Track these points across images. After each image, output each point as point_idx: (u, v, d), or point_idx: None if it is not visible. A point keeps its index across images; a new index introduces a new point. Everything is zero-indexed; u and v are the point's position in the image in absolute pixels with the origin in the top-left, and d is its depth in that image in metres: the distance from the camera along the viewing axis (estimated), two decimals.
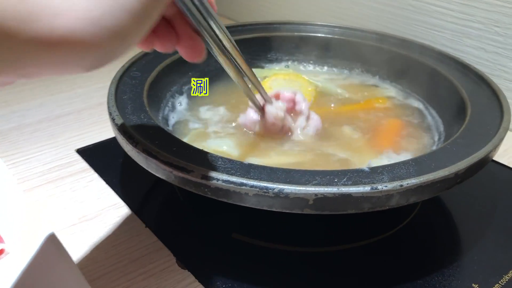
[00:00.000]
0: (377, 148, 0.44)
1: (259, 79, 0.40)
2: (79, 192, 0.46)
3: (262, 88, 0.41)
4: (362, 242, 0.40)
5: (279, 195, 0.30)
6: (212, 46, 0.33)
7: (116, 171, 0.48)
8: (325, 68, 0.60)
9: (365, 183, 0.30)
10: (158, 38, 0.29)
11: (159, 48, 0.29)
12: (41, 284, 0.24)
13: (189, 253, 0.38)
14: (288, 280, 0.36)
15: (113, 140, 0.53)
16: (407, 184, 0.30)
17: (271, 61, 0.60)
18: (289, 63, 0.61)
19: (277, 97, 0.44)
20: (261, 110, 0.42)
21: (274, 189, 0.30)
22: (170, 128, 0.45)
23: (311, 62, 0.60)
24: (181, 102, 0.50)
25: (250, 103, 0.42)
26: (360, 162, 0.41)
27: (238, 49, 0.36)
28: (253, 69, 0.40)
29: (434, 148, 0.43)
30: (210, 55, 0.33)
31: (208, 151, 0.34)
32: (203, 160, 0.33)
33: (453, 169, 0.32)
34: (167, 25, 0.29)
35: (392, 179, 0.31)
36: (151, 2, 0.19)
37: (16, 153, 0.52)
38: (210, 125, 0.47)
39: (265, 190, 0.30)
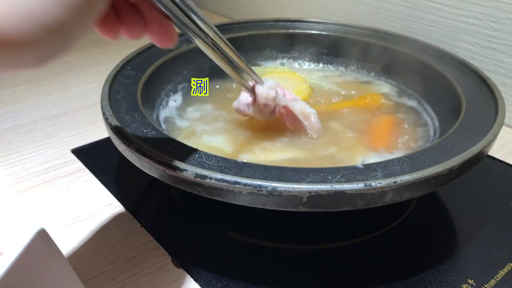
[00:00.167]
0: (371, 145, 0.44)
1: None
2: (75, 192, 0.45)
3: (250, 69, 0.39)
4: (358, 239, 0.40)
5: (272, 193, 0.30)
6: (184, 30, 0.31)
7: (112, 170, 0.48)
8: (321, 65, 0.60)
9: (358, 180, 0.30)
10: (124, 25, 0.27)
11: (127, 35, 0.28)
12: (30, 281, 0.24)
13: (184, 252, 0.38)
14: (284, 278, 0.36)
15: (108, 140, 0.52)
16: (401, 180, 0.30)
17: (266, 58, 0.60)
18: (284, 60, 0.60)
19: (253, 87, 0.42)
20: (253, 92, 0.41)
21: (267, 187, 0.30)
22: (164, 127, 0.45)
23: (306, 59, 0.60)
24: (176, 100, 0.50)
25: (243, 88, 0.41)
26: (354, 159, 0.41)
27: (216, 30, 0.34)
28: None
29: (429, 144, 0.43)
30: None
31: (202, 149, 0.34)
32: (197, 159, 0.33)
33: (447, 165, 0.32)
34: (132, 11, 0.27)
35: (386, 176, 0.31)
36: None
37: (11, 153, 0.52)
38: (204, 123, 0.47)
39: (258, 188, 0.30)
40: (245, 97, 0.42)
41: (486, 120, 0.39)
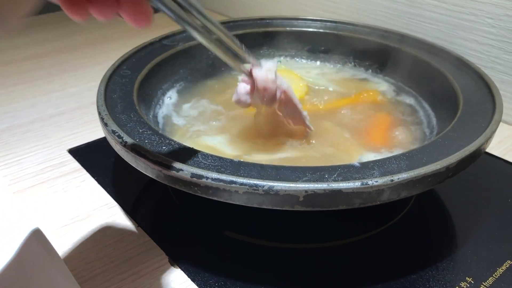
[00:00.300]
0: (368, 143, 0.43)
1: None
2: (71, 192, 0.45)
3: (246, 51, 0.36)
4: (355, 237, 0.40)
5: (269, 192, 0.29)
6: (166, 10, 0.28)
7: (108, 171, 0.48)
8: (318, 62, 0.60)
9: (355, 179, 0.30)
10: (93, 4, 0.25)
11: (97, 15, 0.25)
12: (25, 282, 0.24)
13: (182, 252, 0.38)
14: (281, 277, 0.36)
15: (105, 140, 0.52)
16: (398, 179, 0.30)
17: (263, 56, 0.59)
18: (282, 58, 0.60)
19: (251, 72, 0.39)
20: (251, 76, 0.38)
21: (264, 186, 0.29)
22: (160, 126, 0.45)
23: (304, 57, 0.60)
24: (172, 99, 0.50)
25: (239, 78, 0.39)
26: (350, 158, 0.41)
27: (206, 14, 0.32)
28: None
29: (426, 142, 0.43)
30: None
31: (198, 148, 0.34)
32: (193, 158, 0.32)
33: (445, 162, 0.32)
34: None
35: (383, 174, 0.31)
36: None
37: (8, 154, 0.52)
38: (201, 122, 0.47)
39: (254, 188, 0.29)
40: (243, 87, 0.39)
41: (483, 117, 0.39)
